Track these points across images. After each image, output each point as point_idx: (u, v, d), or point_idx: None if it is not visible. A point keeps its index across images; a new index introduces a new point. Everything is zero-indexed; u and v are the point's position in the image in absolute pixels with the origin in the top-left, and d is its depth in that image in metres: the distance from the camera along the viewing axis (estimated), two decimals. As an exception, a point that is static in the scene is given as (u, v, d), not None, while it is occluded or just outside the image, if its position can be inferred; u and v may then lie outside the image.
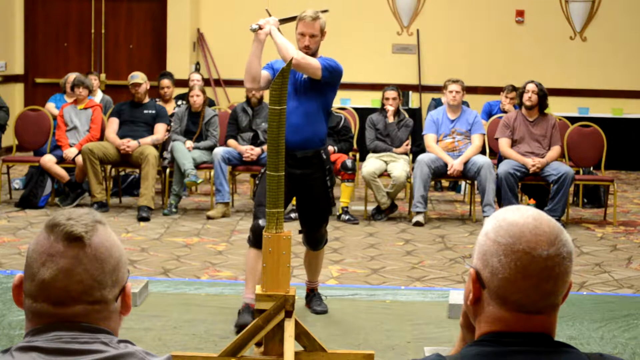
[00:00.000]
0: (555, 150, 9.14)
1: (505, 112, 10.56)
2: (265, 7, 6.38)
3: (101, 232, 1.72)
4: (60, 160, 9.45)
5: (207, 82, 12.76)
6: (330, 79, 5.53)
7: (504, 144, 9.21)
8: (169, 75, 10.58)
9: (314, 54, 5.53)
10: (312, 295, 6.00)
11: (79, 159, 9.30)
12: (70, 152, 9.41)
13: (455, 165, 9.04)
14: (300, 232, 5.78)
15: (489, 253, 1.75)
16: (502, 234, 1.75)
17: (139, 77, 9.58)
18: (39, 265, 1.68)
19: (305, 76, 5.56)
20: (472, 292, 1.79)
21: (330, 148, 9.36)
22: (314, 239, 5.76)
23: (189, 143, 9.40)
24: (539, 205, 9.15)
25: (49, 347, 1.65)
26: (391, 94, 9.58)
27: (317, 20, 5.51)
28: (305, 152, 5.54)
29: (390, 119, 9.52)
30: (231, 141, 9.37)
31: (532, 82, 9.30)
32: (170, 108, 10.13)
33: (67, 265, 1.67)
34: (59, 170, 9.41)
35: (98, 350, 1.66)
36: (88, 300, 1.69)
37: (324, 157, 5.62)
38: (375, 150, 9.46)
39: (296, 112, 5.45)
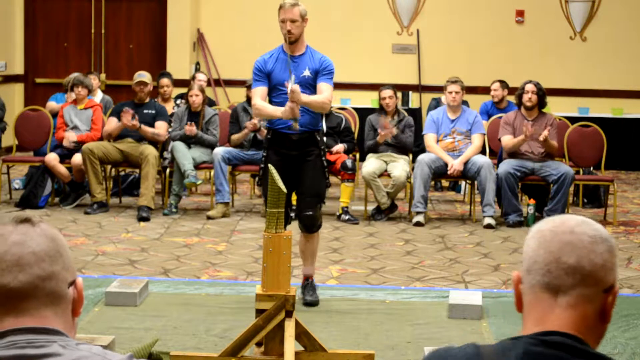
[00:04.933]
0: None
1: (497, 103, 10.70)
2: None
3: (47, 225, 1.75)
4: (62, 160, 9.45)
5: (207, 82, 12.76)
6: None
7: (507, 141, 9.19)
8: (168, 75, 10.61)
9: (297, 39, 5.93)
10: (307, 284, 6.11)
11: (78, 159, 9.29)
12: (70, 136, 9.41)
13: (455, 165, 9.05)
14: (295, 216, 6.03)
15: (526, 253, 1.82)
16: (535, 233, 1.83)
17: (146, 76, 9.60)
18: None
19: (306, 74, 5.93)
20: (515, 296, 1.85)
21: (340, 146, 9.38)
22: (309, 219, 5.97)
23: (192, 128, 9.33)
24: (539, 205, 9.15)
25: (4, 355, 1.62)
26: (387, 93, 9.58)
27: (295, 7, 5.91)
28: (301, 135, 5.90)
29: (389, 118, 9.52)
30: (234, 136, 9.37)
31: (530, 82, 9.29)
32: (169, 107, 10.14)
33: (18, 239, 1.68)
34: (62, 170, 9.42)
35: (56, 353, 1.63)
36: (41, 287, 1.66)
37: (318, 138, 5.99)
38: (375, 151, 9.46)
39: None
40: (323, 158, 6.00)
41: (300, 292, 6.06)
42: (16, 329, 1.64)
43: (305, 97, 5.76)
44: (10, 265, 1.66)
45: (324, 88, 5.93)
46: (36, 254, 1.68)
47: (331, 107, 9.75)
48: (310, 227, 6.00)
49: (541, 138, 8.94)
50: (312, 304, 6.01)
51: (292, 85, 5.71)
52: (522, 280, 1.83)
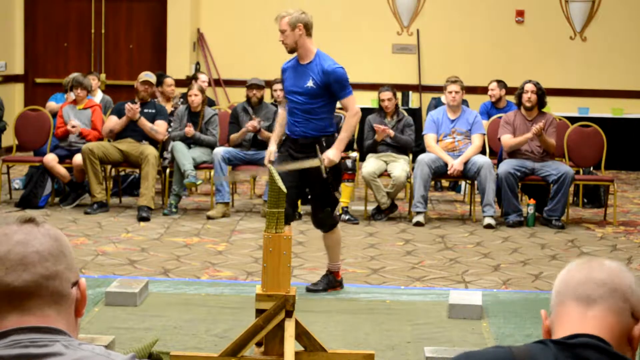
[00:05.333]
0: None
1: (495, 103, 10.68)
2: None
3: (51, 225, 1.75)
4: (62, 160, 9.46)
5: (207, 82, 12.77)
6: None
7: (507, 140, 9.19)
8: (168, 76, 10.73)
9: (294, 49, 6.15)
10: (324, 275, 6.47)
11: (79, 159, 9.29)
12: (75, 126, 9.43)
13: (455, 165, 9.04)
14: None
15: (555, 287, 1.95)
16: (564, 270, 1.98)
17: (152, 77, 9.65)
18: None
19: (310, 84, 6.09)
20: (543, 330, 1.95)
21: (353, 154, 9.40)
22: (317, 221, 6.33)
23: (190, 129, 9.36)
24: (539, 205, 9.15)
25: (8, 354, 1.61)
26: (386, 94, 9.57)
27: (284, 18, 6.16)
28: (305, 140, 6.14)
29: (389, 119, 9.52)
30: (233, 135, 9.39)
31: (529, 81, 9.29)
32: (168, 107, 10.17)
33: (22, 238, 1.68)
34: (61, 170, 9.42)
35: (59, 353, 1.62)
36: (44, 286, 1.66)
37: (323, 144, 6.11)
38: (374, 151, 9.46)
39: (300, 108, 6.15)
40: (323, 165, 6.03)
41: None
42: (19, 328, 1.64)
43: (338, 146, 6.08)
44: (15, 264, 1.66)
45: (345, 104, 6.22)
46: (40, 253, 1.68)
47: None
48: (321, 227, 6.31)
49: (534, 130, 8.93)
50: (311, 290, 6.36)
51: (326, 161, 6.01)
52: (550, 309, 1.94)
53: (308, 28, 6.12)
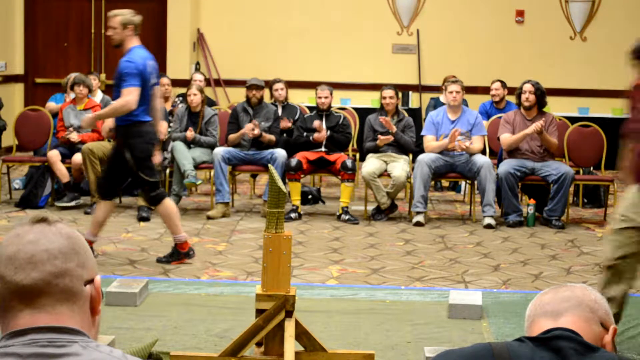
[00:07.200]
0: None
1: (497, 103, 10.68)
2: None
3: (64, 224, 1.76)
4: (62, 159, 9.45)
5: (207, 82, 12.76)
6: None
7: (505, 138, 9.19)
8: (165, 75, 10.71)
9: (121, 44, 7.28)
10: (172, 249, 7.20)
11: (78, 159, 9.29)
12: (72, 137, 9.43)
13: (459, 136, 9.08)
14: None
15: (527, 313, 2.14)
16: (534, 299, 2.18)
17: None
18: (6, 246, 1.69)
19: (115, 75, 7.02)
20: None
21: (318, 124, 9.41)
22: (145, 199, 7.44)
23: (190, 133, 9.39)
24: (539, 205, 9.15)
25: (25, 352, 1.62)
26: (388, 93, 9.58)
27: (116, 17, 7.18)
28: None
29: (389, 118, 9.52)
30: (231, 136, 9.39)
31: (528, 81, 9.29)
32: (168, 107, 10.16)
33: (33, 238, 1.69)
34: (62, 169, 9.41)
35: (76, 354, 1.63)
36: (54, 284, 1.67)
37: (124, 131, 7.03)
38: (374, 151, 9.45)
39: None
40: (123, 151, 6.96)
41: None
42: (37, 328, 1.65)
43: (96, 114, 7.50)
44: (24, 263, 1.67)
45: (122, 93, 6.96)
46: (49, 251, 1.68)
47: (331, 106, 9.77)
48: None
49: (534, 127, 8.95)
50: (159, 259, 7.16)
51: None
52: (524, 333, 2.10)
53: (136, 29, 7.15)
